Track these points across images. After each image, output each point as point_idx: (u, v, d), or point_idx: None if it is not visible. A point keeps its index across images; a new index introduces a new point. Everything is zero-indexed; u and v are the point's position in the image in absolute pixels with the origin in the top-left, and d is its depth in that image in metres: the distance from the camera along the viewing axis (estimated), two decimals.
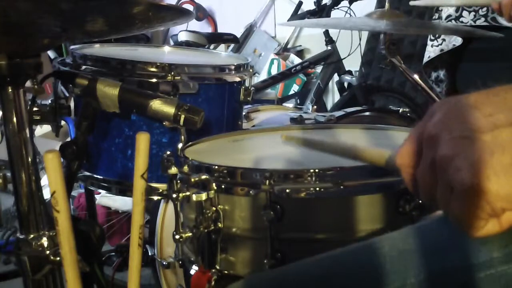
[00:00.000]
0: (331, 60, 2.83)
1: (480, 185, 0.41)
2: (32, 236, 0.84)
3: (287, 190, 0.72)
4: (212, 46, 2.88)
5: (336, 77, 2.92)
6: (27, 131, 0.85)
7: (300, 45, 3.83)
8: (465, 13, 1.61)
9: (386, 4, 1.41)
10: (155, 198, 1.11)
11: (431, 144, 0.46)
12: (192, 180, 0.78)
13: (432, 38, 1.74)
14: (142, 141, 0.67)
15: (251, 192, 0.74)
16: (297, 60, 3.57)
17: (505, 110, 0.43)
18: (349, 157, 0.65)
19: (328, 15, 2.67)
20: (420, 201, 0.73)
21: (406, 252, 0.59)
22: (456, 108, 0.45)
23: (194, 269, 0.83)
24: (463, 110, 0.44)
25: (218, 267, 0.79)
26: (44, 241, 0.83)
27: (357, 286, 0.61)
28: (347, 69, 2.88)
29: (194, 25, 4.08)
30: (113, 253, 1.92)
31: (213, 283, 0.78)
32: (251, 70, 1.24)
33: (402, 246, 0.60)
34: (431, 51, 1.75)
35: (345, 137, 1.06)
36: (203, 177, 0.77)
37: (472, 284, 0.55)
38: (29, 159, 0.85)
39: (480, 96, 0.45)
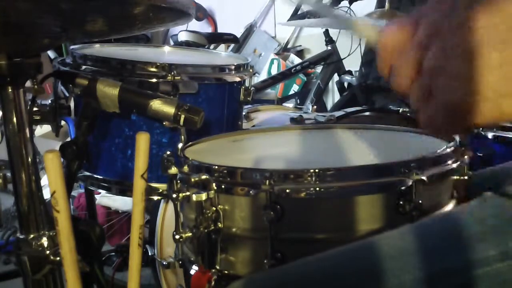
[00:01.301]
0: (331, 60, 2.83)
1: (461, 100, 0.42)
2: (32, 236, 0.84)
3: (287, 190, 0.72)
4: (212, 46, 2.88)
5: (336, 77, 2.92)
6: (27, 131, 0.85)
7: (300, 45, 3.84)
8: None
9: (386, 4, 1.41)
10: (155, 198, 1.11)
11: (422, 44, 0.45)
12: (192, 180, 0.78)
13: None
14: (142, 141, 0.67)
15: (251, 192, 0.74)
16: (297, 60, 3.57)
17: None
18: (343, 25, 0.62)
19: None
20: (420, 201, 0.73)
21: (404, 250, 0.60)
22: (450, 16, 0.43)
23: (194, 269, 0.83)
24: (456, 20, 0.43)
25: (218, 267, 0.79)
26: (44, 241, 0.84)
27: (356, 284, 0.61)
28: (347, 69, 2.88)
29: (194, 25, 4.08)
30: (113, 253, 1.92)
31: (213, 283, 0.78)
32: (251, 70, 1.24)
33: (401, 245, 0.61)
34: None
35: (345, 137, 1.06)
36: (203, 177, 0.77)
37: (469, 281, 0.55)
38: (29, 159, 0.85)
39: (484, 17, 0.42)
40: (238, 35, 3.54)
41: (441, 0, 0.45)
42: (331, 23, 0.66)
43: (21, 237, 0.85)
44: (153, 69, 1.09)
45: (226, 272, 0.79)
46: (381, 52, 0.50)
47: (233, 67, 1.20)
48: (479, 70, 0.41)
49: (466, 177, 0.80)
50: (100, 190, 1.37)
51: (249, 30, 4.05)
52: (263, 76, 3.50)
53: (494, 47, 0.41)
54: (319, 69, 3.04)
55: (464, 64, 0.42)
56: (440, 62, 0.43)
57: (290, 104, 2.95)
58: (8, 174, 0.86)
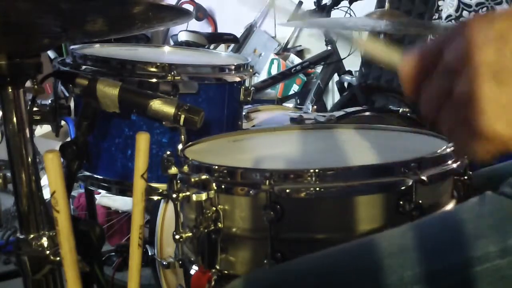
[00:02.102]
0: (331, 60, 2.83)
1: (501, 131, 0.40)
2: (32, 236, 0.84)
3: (287, 190, 0.72)
4: (212, 46, 2.88)
5: (336, 77, 2.92)
6: (27, 131, 0.85)
7: (300, 45, 3.83)
8: (465, 13, 1.62)
9: (386, 4, 1.41)
10: (155, 198, 1.11)
11: (449, 73, 0.43)
12: (192, 180, 0.78)
13: (432, 38, 1.74)
14: (142, 141, 0.67)
15: (251, 192, 0.74)
16: (297, 60, 3.57)
17: None
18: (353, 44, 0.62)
19: (328, 15, 2.67)
20: (420, 201, 0.73)
21: (404, 247, 0.60)
22: (481, 37, 0.41)
23: (194, 269, 0.83)
24: (489, 41, 0.40)
25: (218, 267, 0.79)
26: (44, 241, 0.83)
27: (355, 281, 0.61)
28: (347, 69, 2.88)
29: (194, 25, 4.08)
30: (113, 253, 1.92)
31: (213, 283, 0.78)
32: (251, 70, 1.24)
33: (401, 242, 0.61)
34: None
35: (345, 137, 1.06)
36: (203, 177, 0.77)
37: (468, 278, 0.56)
38: (29, 159, 0.85)
39: (508, 24, 0.40)
40: (238, 35, 3.54)
41: (467, 24, 0.42)
42: (342, 40, 0.67)
43: (21, 237, 0.84)
44: (153, 69, 1.09)
45: (226, 272, 0.79)
46: (404, 80, 0.47)
47: (233, 67, 1.20)
48: None
49: (466, 177, 0.80)
50: (100, 190, 1.37)
51: (249, 30, 4.04)
52: (263, 76, 3.50)
53: None
54: (319, 69, 3.04)
55: (502, 88, 0.40)
56: (473, 89, 0.41)
57: (290, 104, 2.95)
58: (8, 174, 0.86)
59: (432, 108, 0.45)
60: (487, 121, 0.40)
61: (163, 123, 1.00)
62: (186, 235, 0.79)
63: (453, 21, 1.64)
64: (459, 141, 0.44)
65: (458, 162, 0.80)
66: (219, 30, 4.39)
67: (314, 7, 2.78)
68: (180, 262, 0.85)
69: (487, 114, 0.40)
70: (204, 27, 4.32)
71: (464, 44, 0.41)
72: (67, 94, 1.28)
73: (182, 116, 0.93)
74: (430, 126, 0.48)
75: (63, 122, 1.28)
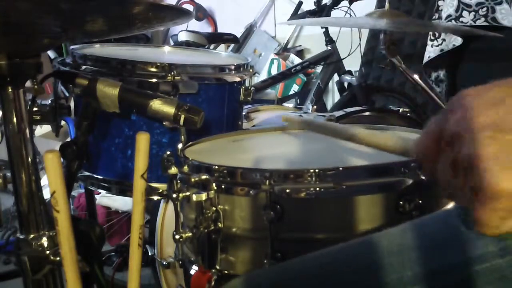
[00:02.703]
0: (331, 60, 2.83)
1: (507, 187, 0.40)
2: (32, 236, 0.84)
3: (287, 190, 0.72)
4: (212, 46, 2.88)
5: (336, 77, 2.92)
6: (27, 131, 0.85)
7: (300, 45, 3.83)
8: (465, 13, 1.62)
9: (386, 4, 1.41)
10: (155, 198, 1.11)
11: (453, 141, 0.44)
12: (192, 180, 0.78)
13: (432, 38, 1.74)
14: (142, 141, 0.67)
15: (251, 192, 0.74)
16: (297, 60, 3.57)
17: None
18: (354, 141, 0.64)
19: (328, 15, 2.67)
20: (421, 201, 0.73)
21: (404, 246, 0.60)
22: (478, 104, 0.43)
23: (194, 269, 0.83)
24: (486, 106, 0.43)
25: (218, 267, 0.79)
26: (44, 241, 0.83)
27: (355, 280, 0.61)
28: (347, 69, 2.88)
29: (194, 25, 4.08)
30: (113, 253, 1.92)
31: (213, 283, 0.78)
32: (251, 70, 1.24)
33: (401, 241, 0.61)
34: (431, 51, 1.75)
35: None
36: (203, 177, 0.77)
37: (468, 277, 0.56)
38: (29, 159, 0.85)
39: (503, 90, 0.43)
40: (238, 35, 3.54)
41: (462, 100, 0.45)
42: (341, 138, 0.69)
43: (21, 237, 0.84)
44: (153, 69, 1.09)
45: (226, 272, 0.79)
46: (422, 164, 0.49)
47: (233, 67, 1.20)
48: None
49: None
50: (100, 190, 1.37)
51: (249, 30, 4.05)
52: (263, 76, 3.50)
53: None
54: (319, 69, 3.04)
55: (495, 142, 0.41)
56: (471, 152, 0.42)
57: (290, 104, 2.95)
58: (8, 174, 0.86)
59: (448, 184, 0.46)
60: (493, 178, 0.41)
61: (163, 123, 1.00)
62: (186, 235, 0.79)
63: (453, 21, 1.63)
64: (475, 213, 0.44)
65: None
66: (219, 30, 4.39)
67: (314, 7, 2.79)
68: (180, 262, 0.85)
69: (491, 172, 0.41)
70: (204, 27, 4.32)
71: (463, 111, 0.44)
72: (67, 94, 1.28)
73: (182, 116, 0.93)
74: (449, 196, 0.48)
75: (63, 122, 1.27)
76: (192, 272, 0.82)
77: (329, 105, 3.31)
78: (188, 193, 0.79)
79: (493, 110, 0.42)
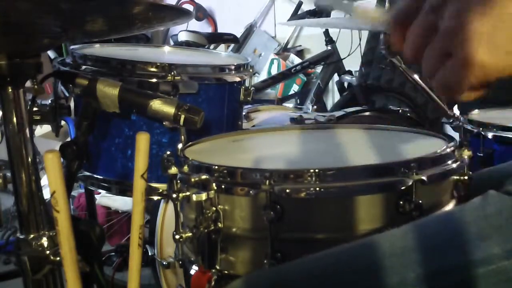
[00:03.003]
0: (331, 60, 2.83)
1: (484, 59, 0.43)
2: (32, 236, 0.84)
3: (287, 190, 0.72)
4: (212, 46, 2.88)
5: (336, 77, 2.92)
6: (27, 131, 0.85)
7: (300, 45, 3.84)
8: None
9: (386, 4, 1.41)
10: (155, 198, 1.11)
11: (435, 8, 0.47)
12: (192, 180, 0.78)
13: None
14: (142, 141, 0.67)
15: (251, 192, 0.74)
16: (297, 60, 3.57)
17: None
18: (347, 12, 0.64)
19: (328, 15, 2.67)
20: (420, 201, 0.73)
21: (405, 248, 0.60)
22: None
23: (194, 269, 0.82)
24: None
25: (218, 267, 0.79)
26: (44, 241, 0.83)
27: (356, 282, 0.61)
28: (347, 69, 2.88)
29: (194, 25, 4.08)
30: (113, 253, 1.92)
31: (213, 283, 0.78)
32: (251, 70, 1.24)
33: (402, 243, 0.60)
34: None
35: (345, 137, 1.06)
36: (203, 177, 0.77)
37: (470, 280, 0.55)
38: (29, 159, 0.85)
39: None
40: (238, 35, 3.54)
41: None
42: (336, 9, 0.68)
43: (21, 237, 0.84)
44: (153, 69, 1.09)
45: (226, 272, 0.79)
46: (393, 24, 0.51)
47: (233, 67, 1.20)
48: (499, 22, 0.43)
49: (466, 177, 0.80)
50: (100, 190, 1.37)
51: (249, 30, 4.05)
52: (263, 76, 3.50)
53: None
54: (319, 69, 3.04)
55: (483, 18, 0.43)
56: (457, 21, 0.44)
57: (290, 104, 2.95)
58: (8, 174, 0.86)
59: (417, 46, 0.48)
60: (470, 48, 0.43)
61: (163, 123, 1.00)
62: (186, 235, 0.79)
63: None
64: (442, 78, 0.47)
65: (458, 162, 0.80)
66: (219, 30, 4.39)
67: (314, 7, 2.79)
68: (180, 262, 0.85)
69: (470, 42, 0.43)
70: (204, 27, 4.32)
71: None
72: (67, 94, 1.28)
73: (182, 116, 0.93)
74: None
75: (63, 122, 1.27)
76: (192, 272, 0.82)
77: (329, 105, 3.31)
78: (188, 193, 0.78)
79: None
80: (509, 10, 0.43)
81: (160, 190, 1.08)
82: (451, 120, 1.44)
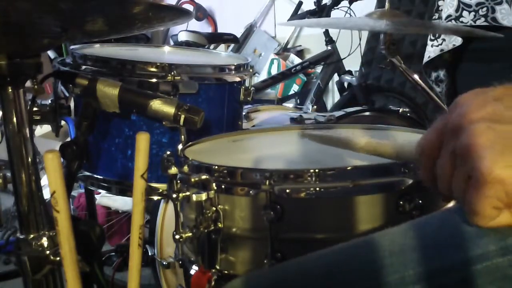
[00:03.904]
0: (331, 60, 2.83)
1: (500, 174, 0.43)
2: (32, 236, 0.84)
3: (287, 190, 0.72)
4: (212, 46, 2.88)
5: (336, 77, 2.92)
6: (27, 131, 0.85)
7: (300, 45, 3.83)
8: (465, 13, 1.61)
9: (386, 4, 1.41)
10: (155, 198, 1.11)
11: (454, 133, 0.47)
12: (192, 180, 0.78)
13: (432, 38, 1.74)
14: (142, 141, 0.67)
15: (251, 192, 0.74)
16: (297, 60, 3.57)
17: None
18: (363, 151, 0.67)
19: (328, 15, 2.67)
20: (421, 201, 0.73)
21: (405, 246, 0.60)
22: (480, 100, 0.46)
23: (194, 269, 0.83)
24: (487, 102, 0.46)
25: (218, 267, 0.79)
26: (44, 241, 0.83)
27: (356, 281, 0.61)
28: (347, 69, 2.88)
29: (194, 25, 4.08)
30: (113, 253, 1.92)
31: (213, 283, 0.78)
32: (251, 70, 1.24)
33: (402, 241, 0.61)
34: (431, 51, 1.75)
35: None
36: (203, 177, 0.77)
37: (469, 276, 0.55)
38: (29, 159, 0.85)
39: (506, 89, 0.47)
40: (238, 35, 3.54)
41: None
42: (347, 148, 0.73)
43: (21, 237, 0.84)
44: (153, 69, 1.09)
45: (226, 272, 0.79)
46: (422, 160, 0.52)
47: (233, 67, 1.20)
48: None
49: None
50: (100, 190, 1.37)
51: (249, 30, 4.05)
52: (263, 76, 3.50)
53: None
54: (319, 69, 3.04)
55: (493, 133, 0.44)
56: (469, 140, 0.45)
57: (290, 104, 2.95)
58: (8, 174, 0.86)
59: (446, 176, 0.49)
60: (486, 165, 0.43)
61: (163, 123, 1.00)
62: (186, 235, 0.79)
63: (453, 21, 1.63)
64: (467, 203, 0.47)
65: None
66: (219, 30, 4.39)
67: (314, 7, 2.79)
68: (180, 262, 0.85)
69: (485, 159, 0.44)
70: (204, 27, 4.32)
71: (464, 106, 0.47)
72: (67, 94, 1.28)
73: (182, 116, 0.93)
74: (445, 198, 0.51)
75: (63, 122, 1.27)
76: (192, 272, 0.82)
77: (329, 105, 3.31)
78: (188, 193, 0.79)
79: (491, 105, 0.45)
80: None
81: (160, 190, 1.08)
82: None
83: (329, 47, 2.83)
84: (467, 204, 0.47)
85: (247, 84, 1.23)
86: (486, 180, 0.44)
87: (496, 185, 0.43)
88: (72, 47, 1.19)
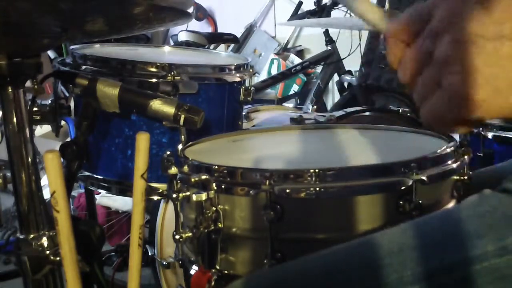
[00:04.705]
0: (331, 60, 2.83)
1: (470, 92, 0.42)
2: (32, 236, 0.84)
3: (287, 190, 0.72)
4: (212, 46, 2.88)
5: (336, 77, 2.92)
6: (27, 131, 0.85)
7: (300, 45, 3.84)
8: None
9: (386, 4, 1.41)
10: (155, 198, 1.11)
11: (432, 36, 0.45)
12: (192, 180, 0.78)
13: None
14: (142, 141, 0.67)
15: (251, 192, 0.74)
16: (297, 60, 3.58)
17: None
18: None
19: (328, 15, 2.67)
20: (420, 201, 0.73)
21: (404, 246, 0.60)
22: (465, 6, 0.43)
23: (194, 269, 0.82)
24: (472, 10, 0.43)
25: (218, 267, 0.79)
26: (44, 241, 0.83)
27: (356, 279, 0.61)
28: (347, 69, 2.88)
29: (194, 25, 4.09)
30: (113, 253, 1.92)
31: (213, 283, 0.78)
32: (251, 70, 1.24)
33: (401, 241, 0.61)
34: None
35: (345, 137, 1.06)
36: (203, 177, 0.77)
37: (468, 276, 0.55)
38: (29, 159, 0.85)
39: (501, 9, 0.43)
40: (238, 35, 3.54)
41: None
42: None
43: (21, 237, 0.84)
44: (153, 69, 1.09)
45: (226, 272, 0.79)
46: (390, 42, 0.50)
47: (233, 67, 1.20)
48: (494, 62, 0.41)
49: (466, 177, 0.80)
50: (100, 190, 1.37)
51: (249, 30, 4.05)
52: (263, 76, 3.50)
53: (510, 38, 0.41)
54: (319, 69, 3.04)
55: (479, 56, 0.42)
56: (453, 52, 0.43)
57: (290, 104, 2.95)
58: (8, 174, 0.86)
59: (411, 72, 0.47)
60: (462, 82, 0.42)
61: (163, 123, 1.00)
62: (186, 235, 0.79)
63: None
64: (430, 108, 0.46)
65: (458, 162, 0.80)
66: (219, 30, 4.40)
67: (314, 7, 2.79)
68: (180, 262, 0.85)
69: (462, 75, 0.42)
70: (204, 27, 4.32)
71: (450, 10, 0.44)
72: (67, 94, 1.28)
73: (182, 116, 0.93)
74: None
75: (63, 122, 1.27)
76: (192, 272, 0.82)
77: (329, 105, 3.32)
78: (188, 193, 0.79)
79: (479, 16, 0.42)
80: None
81: (160, 190, 1.08)
82: None
83: (329, 47, 2.83)
84: (429, 109, 0.46)
85: (247, 84, 1.23)
86: (457, 97, 0.43)
87: (477, 108, 0.42)
88: (72, 47, 1.19)
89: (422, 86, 0.46)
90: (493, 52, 0.42)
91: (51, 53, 3.24)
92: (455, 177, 0.80)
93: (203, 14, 4.27)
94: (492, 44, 0.42)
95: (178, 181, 0.80)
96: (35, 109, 0.98)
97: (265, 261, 0.74)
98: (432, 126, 0.47)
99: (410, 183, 0.72)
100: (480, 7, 0.42)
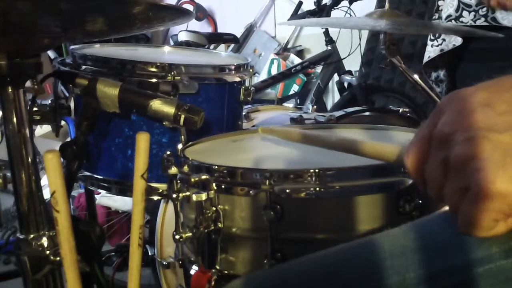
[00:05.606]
0: (331, 60, 2.83)
1: (503, 187, 0.41)
2: (32, 236, 0.84)
3: (287, 190, 0.72)
4: (212, 46, 2.88)
5: (336, 77, 2.92)
6: (27, 131, 0.85)
7: (300, 45, 3.84)
8: (465, 13, 1.62)
9: (386, 4, 1.41)
10: (155, 198, 1.11)
11: (443, 143, 0.45)
12: (192, 180, 0.78)
13: (432, 38, 1.74)
14: (142, 141, 0.67)
15: (251, 192, 0.74)
16: (297, 60, 3.57)
17: None
18: (351, 152, 0.65)
19: (328, 15, 2.67)
20: (420, 201, 0.73)
21: (406, 248, 0.60)
22: (467, 106, 0.44)
23: (194, 269, 0.83)
24: (475, 108, 0.43)
25: (218, 267, 0.79)
26: (44, 241, 0.83)
27: (356, 282, 0.61)
28: (347, 69, 2.88)
29: (194, 25, 4.08)
30: (113, 253, 1.92)
31: (213, 283, 0.78)
32: (251, 70, 1.24)
33: (403, 243, 0.60)
34: (431, 51, 1.75)
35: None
36: (203, 177, 0.77)
37: (471, 279, 0.55)
38: (29, 159, 0.85)
39: (490, 92, 0.44)
40: (238, 35, 3.54)
41: (450, 101, 0.45)
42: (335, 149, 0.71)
43: (21, 237, 0.84)
44: (153, 69, 1.09)
45: (226, 272, 0.79)
46: (410, 169, 0.49)
47: (233, 67, 1.20)
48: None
49: None
50: (100, 190, 1.37)
51: (249, 30, 4.05)
52: (263, 76, 3.50)
53: None
54: (319, 69, 3.04)
55: (497, 150, 0.42)
56: (469, 150, 0.43)
57: (290, 104, 2.95)
58: (8, 174, 0.86)
59: (439, 187, 0.46)
60: (487, 178, 0.41)
61: (163, 123, 1.00)
62: (186, 235, 0.79)
63: (453, 21, 1.63)
64: (463, 214, 0.45)
65: None
66: (219, 30, 4.39)
67: (314, 7, 2.79)
68: (180, 262, 0.85)
69: (485, 171, 0.41)
70: (204, 27, 4.32)
71: (453, 113, 0.44)
72: (67, 94, 1.28)
73: (182, 116, 0.93)
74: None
75: (63, 122, 1.28)
76: (192, 272, 0.82)
77: (329, 105, 3.31)
78: (188, 193, 0.79)
79: (484, 111, 0.43)
80: None
81: (160, 190, 1.08)
82: None
83: (329, 47, 2.83)
84: (463, 215, 0.45)
85: (247, 84, 1.23)
86: (487, 194, 0.41)
87: (499, 199, 0.41)
88: (72, 47, 1.19)
89: (451, 197, 0.45)
90: (511, 142, 0.42)
91: (51, 53, 3.24)
92: None
93: (203, 14, 4.27)
94: (508, 135, 0.42)
95: (178, 181, 0.80)
96: (35, 109, 0.98)
97: (265, 261, 0.74)
98: (472, 233, 0.45)
99: (410, 183, 0.72)
100: (483, 103, 0.43)
